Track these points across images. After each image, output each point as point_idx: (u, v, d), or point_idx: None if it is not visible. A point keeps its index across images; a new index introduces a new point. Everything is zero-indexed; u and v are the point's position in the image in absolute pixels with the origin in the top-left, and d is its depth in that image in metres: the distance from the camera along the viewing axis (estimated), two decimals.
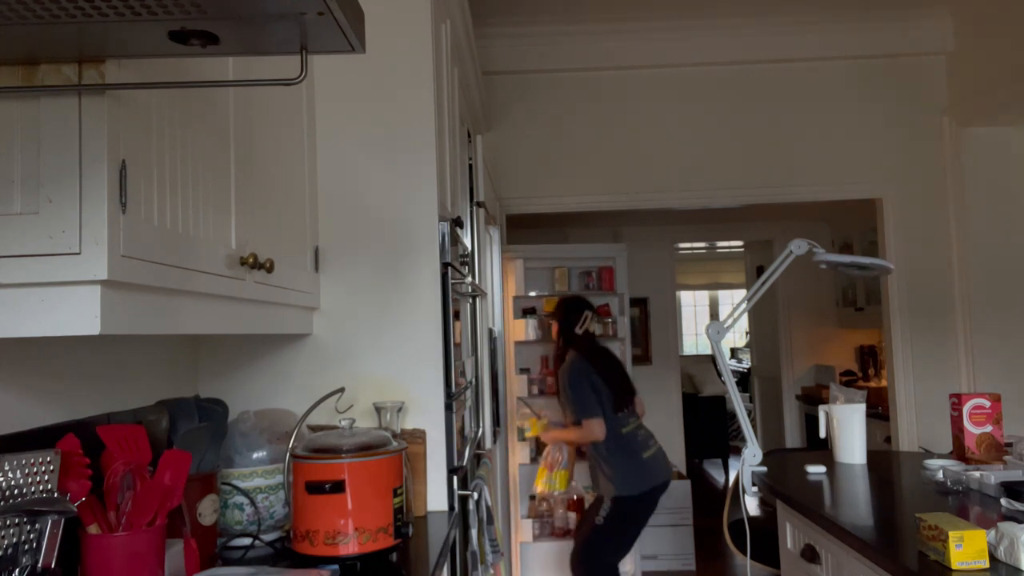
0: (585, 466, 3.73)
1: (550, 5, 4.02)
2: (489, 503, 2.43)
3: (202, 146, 1.32)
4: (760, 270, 7.55)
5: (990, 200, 4.15)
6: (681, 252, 10.01)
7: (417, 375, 2.12)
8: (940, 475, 2.34)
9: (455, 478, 2.11)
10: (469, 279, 2.61)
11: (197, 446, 1.62)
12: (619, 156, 4.28)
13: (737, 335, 11.32)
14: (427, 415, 2.11)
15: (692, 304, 12.42)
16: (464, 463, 2.30)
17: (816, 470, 2.61)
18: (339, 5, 0.86)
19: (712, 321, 2.80)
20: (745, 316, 8.31)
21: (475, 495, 2.25)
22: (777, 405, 6.97)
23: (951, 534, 1.55)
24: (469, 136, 3.29)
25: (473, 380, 2.86)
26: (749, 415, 7.39)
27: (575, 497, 4.65)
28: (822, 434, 2.86)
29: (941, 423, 3.98)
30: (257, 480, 1.79)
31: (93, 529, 1.29)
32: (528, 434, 3.87)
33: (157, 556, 1.32)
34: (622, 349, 4.77)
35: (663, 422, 6.08)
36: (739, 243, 8.19)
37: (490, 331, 3.55)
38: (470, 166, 3.17)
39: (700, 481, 7.38)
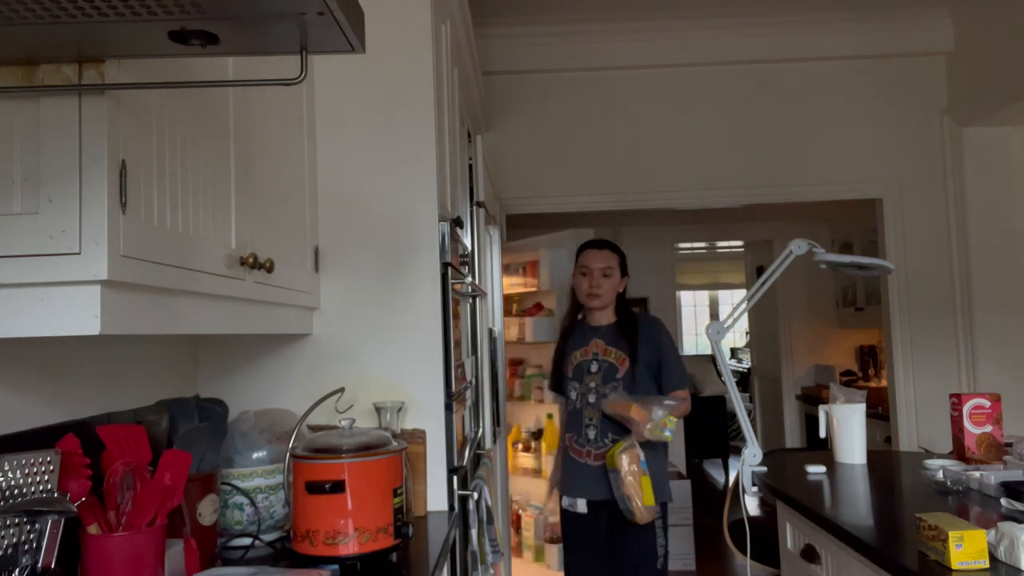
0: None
1: (550, 5, 4.02)
2: (489, 503, 2.43)
3: (202, 146, 1.32)
4: (760, 270, 7.54)
5: (990, 200, 4.15)
6: (681, 252, 10.02)
7: (417, 375, 2.12)
8: (940, 475, 2.34)
9: (455, 478, 2.11)
10: (469, 279, 2.61)
11: (197, 446, 1.62)
12: (619, 156, 4.28)
13: (737, 335, 11.32)
14: (427, 415, 2.11)
15: (692, 304, 12.42)
16: (464, 463, 2.30)
17: (816, 470, 2.61)
18: (339, 5, 0.86)
19: (712, 321, 2.80)
20: (745, 316, 8.31)
21: (475, 495, 2.25)
22: (777, 405, 6.97)
23: (951, 534, 1.55)
24: (469, 136, 3.29)
25: (473, 380, 2.86)
26: (749, 415, 7.38)
27: (519, 512, 4.16)
28: (822, 434, 2.86)
29: (941, 423, 3.98)
30: (257, 480, 1.79)
31: (93, 529, 1.29)
32: (669, 434, 2.53)
33: (157, 556, 1.32)
34: None
35: None
36: (739, 243, 8.19)
37: (490, 331, 3.55)
38: (470, 166, 3.17)
39: (700, 481, 7.38)
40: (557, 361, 2.94)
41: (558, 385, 2.97)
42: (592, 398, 2.74)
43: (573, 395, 2.81)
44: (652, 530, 2.65)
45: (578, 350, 2.83)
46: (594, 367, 2.77)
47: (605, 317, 2.85)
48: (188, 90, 1.27)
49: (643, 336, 2.76)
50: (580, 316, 2.93)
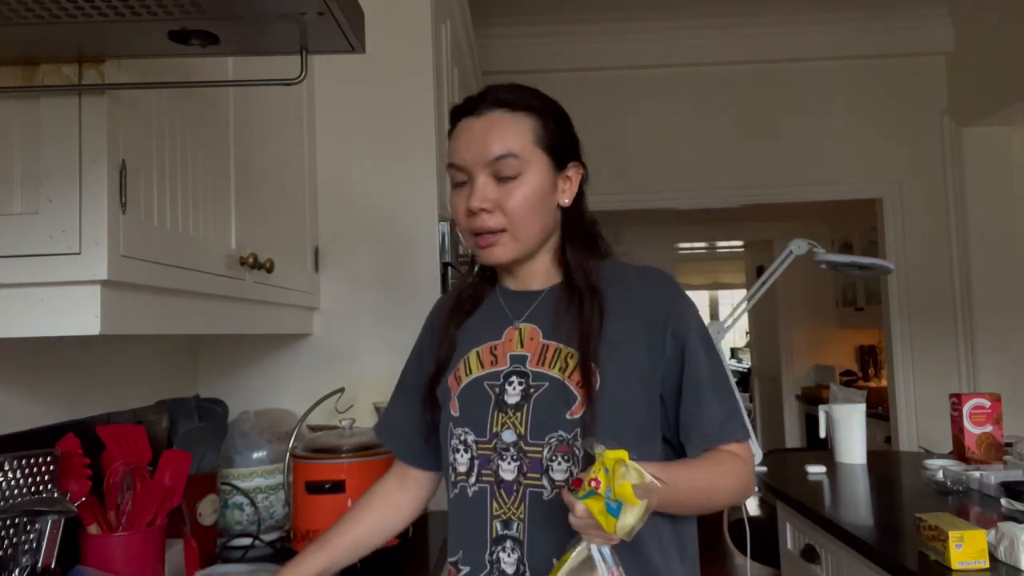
0: None
1: (550, 5, 4.02)
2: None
3: (202, 146, 1.32)
4: (760, 270, 7.54)
5: (990, 200, 4.15)
6: (681, 252, 10.02)
7: None
8: (940, 475, 2.34)
9: None
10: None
11: (197, 446, 1.62)
12: (619, 156, 4.27)
13: (737, 335, 11.32)
14: None
15: None
16: None
17: (816, 470, 2.61)
18: (339, 5, 0.86)
19: (712, 321, 2.80)
20: (745, 316, 8.31)
21: None
22: (777, 405, 6.97)
23: (951, 534, 1.55)
24: None
25: None
26: (749, 415, 7.38)
27: None
28: (822, 434, 2.86)
29: (941, 423, 3.98)
30: (257, 480, 1.79)
31: (93, 529, 1.29)
32: (621, 493, 0.90)
33: (157, 556, 1.32)
34: None
35: None
36: (739, 243, 8.19)
37: None
38: None
39: None
40: (418, 366, 1.29)
41: (402, 424, 1.31)
42: (509, 473, 1.09)
43: (461, 463, 1.14)
44: None
45: (479, 347, 1.17)
46: (513, 393, 1.11)
47: (538, 274, 1.19)
48: (188, 90, 1.27)
49: (631, 307, 1.13)
50: (486, 273, 1.26)
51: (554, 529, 1.04)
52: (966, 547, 1.54)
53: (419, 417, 1.24)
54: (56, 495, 1.14)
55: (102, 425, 1.40)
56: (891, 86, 4.24)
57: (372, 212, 2.15)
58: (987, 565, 1.54)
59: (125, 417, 1.65)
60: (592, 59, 4.25)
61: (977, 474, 2.22)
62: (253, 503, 1.78)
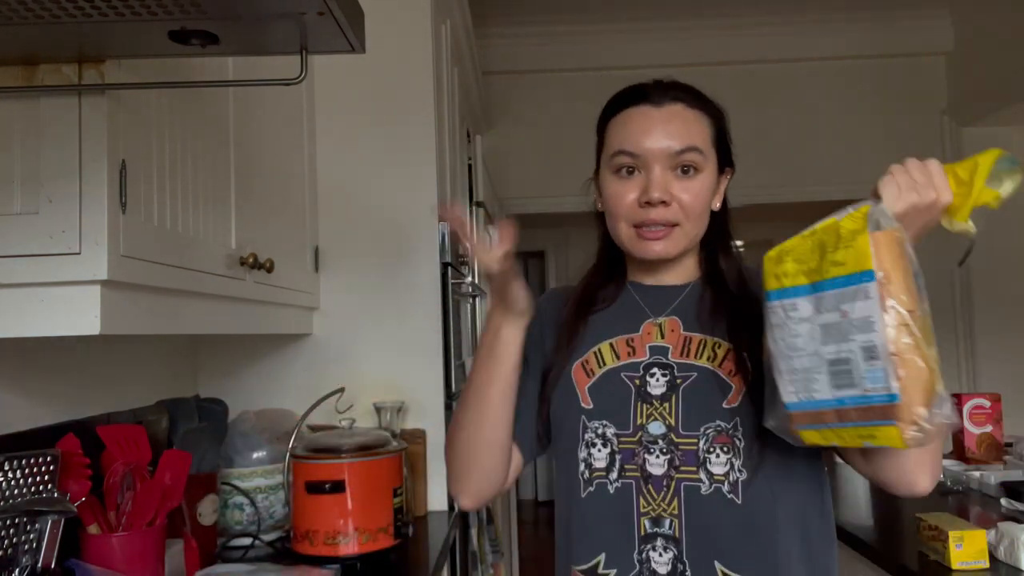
0: None
1: (550, 5, 4.02)
2: (489, 503, 2.43)
3: (202, 146, 1.32)
4: None
5: None
6: None
7: (417, 375, 2.12)
8: (940, 475, 2.34)
9: None
10: (469, 279, 2.61)
11: (197, 446, 1.62)
12: None
13: None
14: (427, 415, 2.11)
15: None
16: None
17: None
18: (339, 5, 0.86)
19: None
20: None
21: None
22: None
23: (951, 534, 1.55)
24: (469, 136, 3.29)
25: None
26: None
27: None
28: None
29: None
30: (257, 480, 1.79)
31: (93, 529, 1.29)
32: None
33: (157, 556, 1.32)
34: None
35: None
36: (739, 243, 8.19)
37: None
38: (470, 166, 3.17)
39: None
40: (543, 356, 1.19)
41: (522, 409, 1.15)
42: (659, 467, 1.04)
43: (599, 458, 1.08)
44: None
45: (613, 339, 1.14)
46: (656, 384, 1.08)
47: (679, 270, 1.20)
48: (188, 90, 1.27)
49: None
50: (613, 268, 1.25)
51: (715, 524, 1.01)
52: (966, 547, 1.55)
53: (536, 409, 1.16)
54: (56, 495, 1.14)
55: (102, 425, 1.40)
56: (891, 86, 4.24)
57: (372, 212, 2.15)
58: (987, 565, 1.54)
59: (125, 417, 1.65)
60: (592, 59, 4.25)
61: (977, 474, 2.22)
62: (253, 503, 1.78)
